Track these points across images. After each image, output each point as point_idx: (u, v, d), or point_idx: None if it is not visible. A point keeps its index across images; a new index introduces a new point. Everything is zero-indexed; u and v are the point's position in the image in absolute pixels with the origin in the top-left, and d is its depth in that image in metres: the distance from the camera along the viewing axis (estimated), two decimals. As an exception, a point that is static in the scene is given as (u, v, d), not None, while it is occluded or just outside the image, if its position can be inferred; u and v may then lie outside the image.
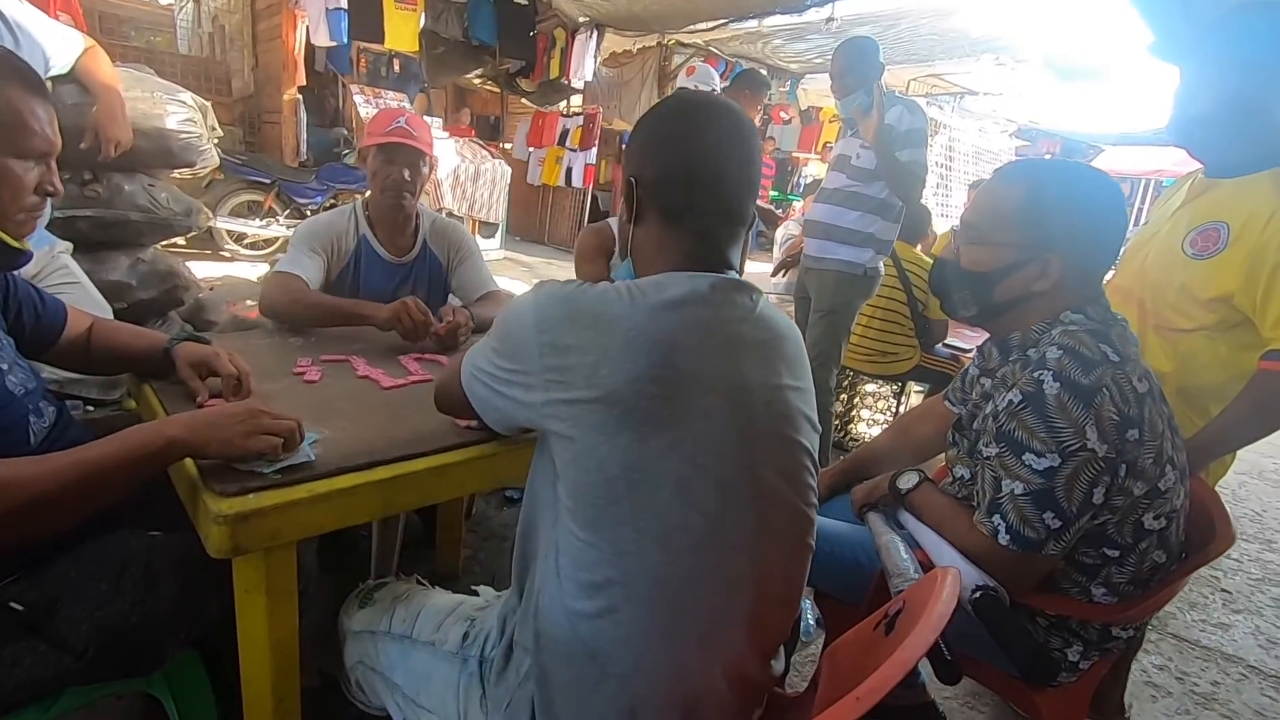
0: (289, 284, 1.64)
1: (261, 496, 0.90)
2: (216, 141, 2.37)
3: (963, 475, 1.16)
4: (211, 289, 2.79)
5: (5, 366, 1.01)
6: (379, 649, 0.97)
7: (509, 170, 7.11)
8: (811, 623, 1.78)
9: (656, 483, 0.73)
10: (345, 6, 5.27)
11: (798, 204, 7.33)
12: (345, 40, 5.53)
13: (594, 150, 7.84)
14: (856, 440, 3.54)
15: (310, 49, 5.92)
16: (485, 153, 7.11)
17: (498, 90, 8.69)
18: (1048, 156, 9.70)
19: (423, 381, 1.36)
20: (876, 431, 3.49)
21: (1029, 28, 5.61)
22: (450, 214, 6.62)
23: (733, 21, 5.88)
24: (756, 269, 3.92)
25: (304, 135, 5.98)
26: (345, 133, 6.43)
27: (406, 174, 1.73)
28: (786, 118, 9.70)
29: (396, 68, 7.50)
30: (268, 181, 5.50)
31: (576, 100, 8.37)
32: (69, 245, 1.97)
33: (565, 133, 7.97)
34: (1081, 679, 1.13)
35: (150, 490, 1.12)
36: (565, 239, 9.31)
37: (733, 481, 0.77)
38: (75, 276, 1.91)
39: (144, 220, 2.24)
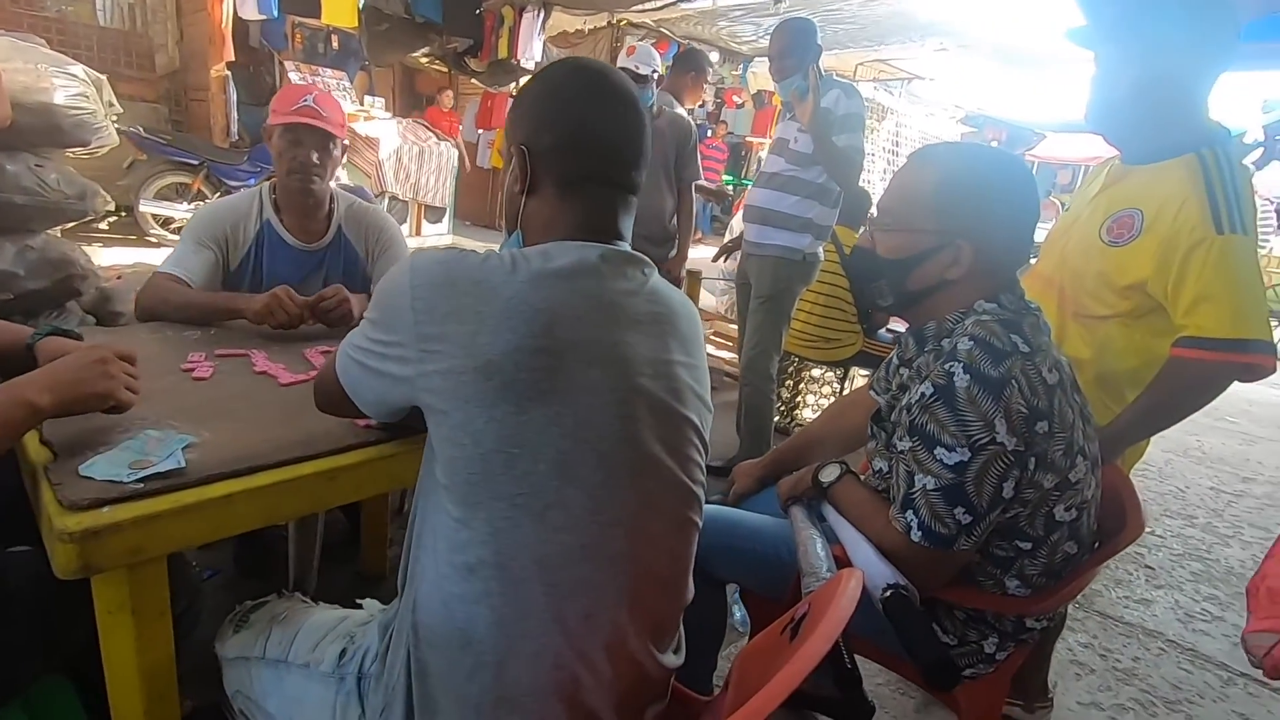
0: (162, 286, 1.54)
1: (118, 509, 0.82)
2: (116, 119, 2.19)
3: (881, 468, 1.14)
4: (120, 277, 2.61)
5: None
6: (253, 677, 0.90)
7: (456, 152, 6.91)
8: (738, 616, 1.77)
9: (535, 457, 0.71)
10: (275, -22, 5.02)
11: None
12: (275, 14, 5.27)
13: (545, 133, 7.68)
14: (803, 426, 3.56)
15: (241, 23, 5.63)
16: (431, 134, 6.89)
17: (446, 70, 8.44)
18: (994, 143, 9.90)
19: (326, 377, 1.28)
20: (821, 417, 3.50)
21: (973, 13, 5.66)
22: (394, 198, 6.42)
23: (682, 1, 5.80)
24: (706, 253, 3.88)
25: (234, 114, 5.70)
26: (280, 112, 6.16)
27: (314, 156, 1.62)
28: (739, 101, 9.69)
29: (335, 44, 7.21)
30: (195, 163, 5.23)
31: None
32: None
33: (516, 114, 7.79)
34: (998, 669, 1.13)
35: (9, 502, 1.02)
36: (517, 224, 9.13)
37: (614, 455, 0.75)
38: None
39: (30, 204, 2.06)
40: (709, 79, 3.57)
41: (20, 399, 0.83)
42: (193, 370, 1.24)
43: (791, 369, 3.47)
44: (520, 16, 6.51)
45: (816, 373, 3.56)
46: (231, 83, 5.69)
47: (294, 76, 6.03)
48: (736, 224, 4.60)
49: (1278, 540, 1.18)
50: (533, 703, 0.73)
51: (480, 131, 8.24)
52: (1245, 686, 1.94)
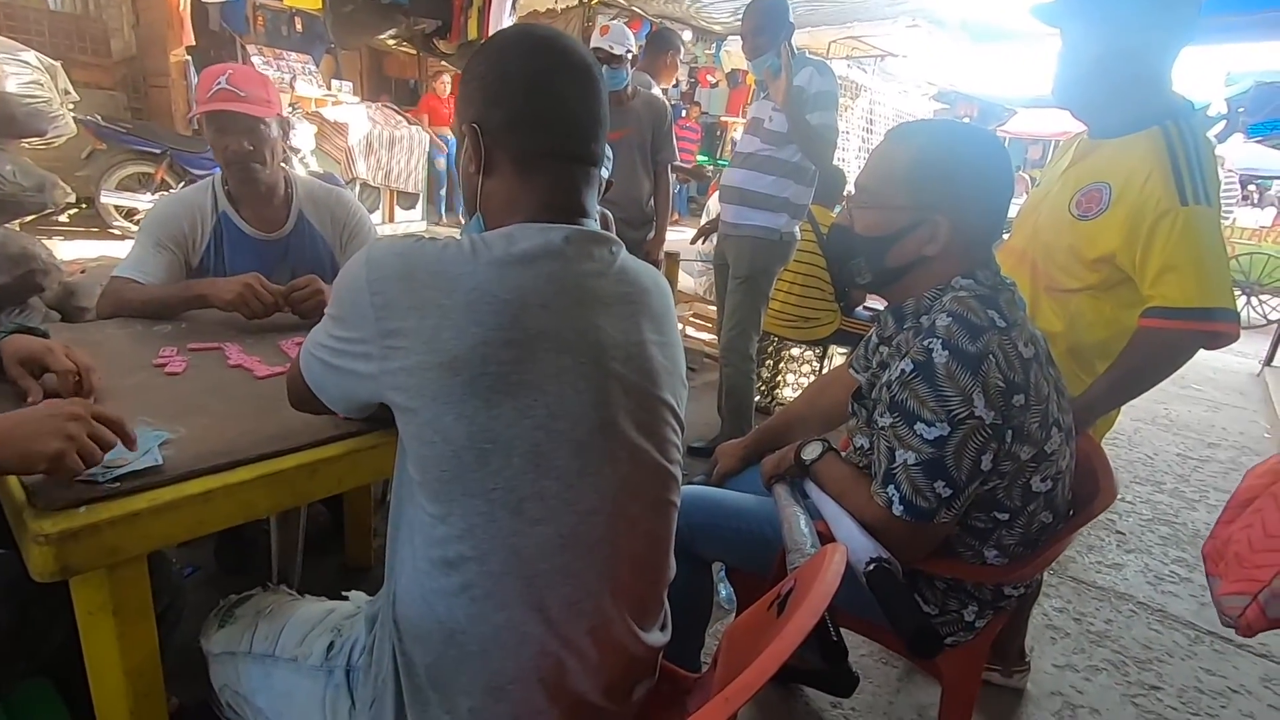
0: (120, 289, 1.49)
1: (94, 510, 0.80)
2: (73, 107, 2.12)
3: (862, 445, 1.16)
4: (84, 271, 2.54)
5: None
6: (240, 672, 0.89)
7: (428, 137, 6.80)
8: (724, 594, 1.79)
9: (507, 451, 0.69)
10: (232, -42, 4.87)
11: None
12: (235, -5, 5.11)
13: (518, 115, 7.56)
14: (783, 405, 3.59)
15: (201, 5, 5.45)
16: (401, 119, 6.77)
17: (414, 53, 8.26)
18: (966, 119, 9.98)
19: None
20: (801, 395, 3.53)
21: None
22: (365, 184, 6.30)
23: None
24: (685, 234, 3.88)
25: (196, 99, 5.53)
26: (244, 97, 5.99)
27: (246, 143, 1.52)
28: (713, 81, 9.62)
29: (299, 26, 7.02)
30: (158, 152, 5.07)
31: (498, 63, 8.03)
32: None
33: (487, 97, 7.66)
34: (978, 636, 1.16)
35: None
36: (492, 208, 9.01)
37: (589, 443, 0.73)
38: None
39: (-15, 197, 1.99)
40: (682, 58, 3.54)
41: None
42: (165, 365, 1.22)
43: (771, 348, 3.48)
44: (489, -4, 6.38)
45: (796, 351, 3.59)
46: (192, 68, 5.51)
47: (257, 61, 5.88)
48: (713, 205, 4.58)
49: (1228, 506, 1.22)
50: (519, 690, 0.73)
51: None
52: (1212, 644, 2.01)
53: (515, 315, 0.70)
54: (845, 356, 3.48)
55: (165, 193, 5.19)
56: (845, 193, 3.55)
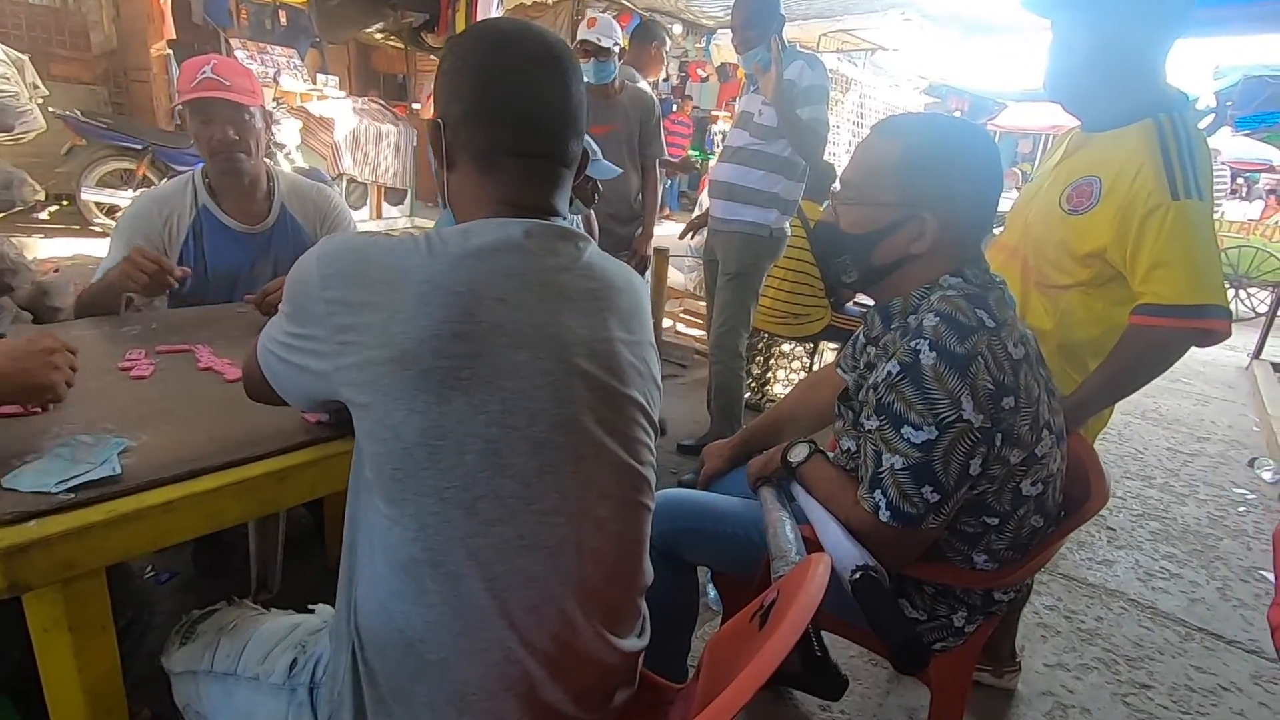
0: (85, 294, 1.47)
1: (46, 523, 0.77)
2: (43, 100, 2.06)
3: (849, 448, 1.13)
4: (57, 270, 2.48)
5: None
6: (201, 691, 0.86)
7: (415, 132, 6.72)
8: (711, 596, 1.77)
9: (460, 448, 0.67)
10: (214, -51, 4.78)
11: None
12: (218, -12, 5.03)
13: (506, 110, 7.50)
14: (774, 401, 3.56)
15: (180, -2, 5.37)
16: (389, 114, 6.69)
17: (402, 47, 8.17)
18: (956, 113, 9.97)
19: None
20: (792, 392, 3.52)
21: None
22: (351, 180, 6.24)
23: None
24: (674, 230, 3.83)
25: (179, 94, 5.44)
26: (228, 92, 5.91)
27: (231, 132, 1.50)
28: (704, 75, 9.58)
29: (283, 20, 6.91)
30: (139, 147, 4.99)
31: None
32: None
33: (476, 91, 7.59)
34: (968, 641, 1.14)
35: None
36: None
37: (548, 441, 0.71)
38: None
39: (-51, 195, 1.93)
40: (670, 50, 3.50)
41: None
42: (131, 369, 1.18)
43: (761, 345, 3.46)
44: (477, -12, 6.31)
45: (786, 348, 3.57)
46: (174, 62, 5.42)
47: (240, 55, 5.79)
48: (704, 200, 4.56)
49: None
50: (485, 701, 0.70)
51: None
52: (1202, 641, 2.01)
53: (467, 308, 0.68)
54: (836, 353, 3.47)
55: (147, 189, 5.12)
56: (833, 188, 3.53)
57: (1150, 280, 1.21)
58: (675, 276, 4.47)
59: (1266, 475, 3.36)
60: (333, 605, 0.91)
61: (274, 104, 5.61)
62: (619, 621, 0.81)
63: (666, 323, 4.29)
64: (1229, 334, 1.22)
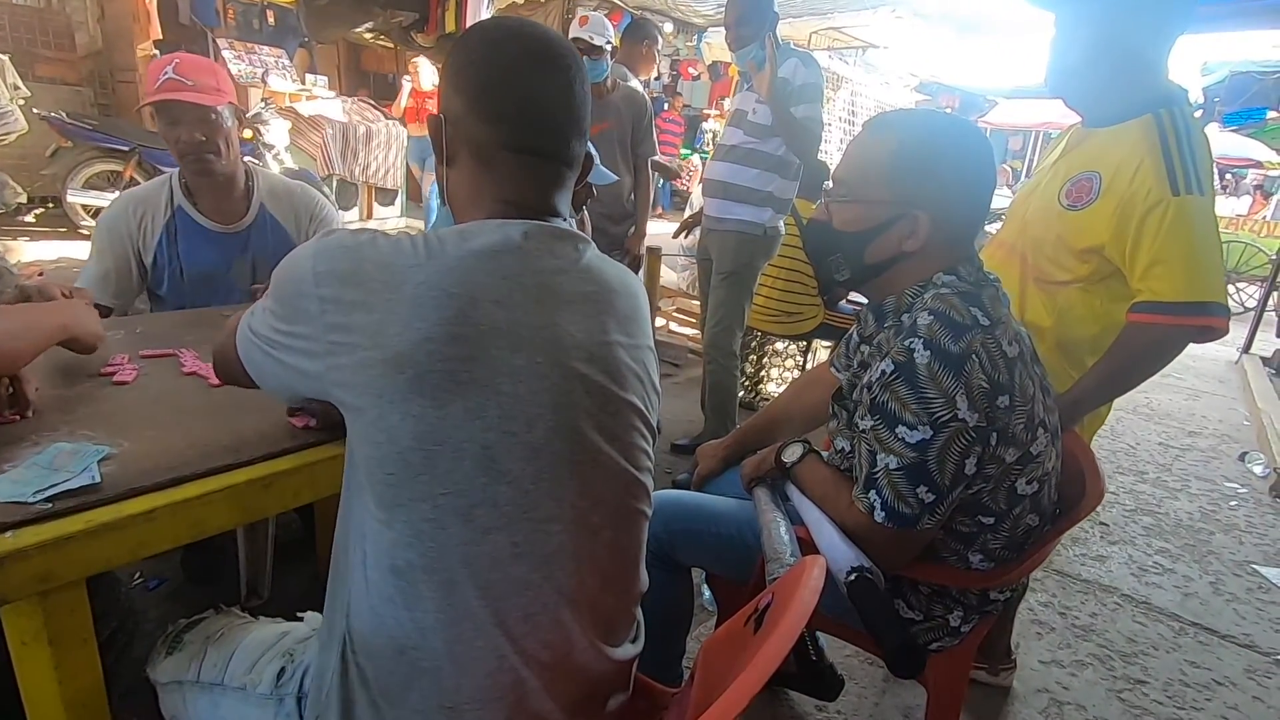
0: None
1: (21, 534, 0.75)
2: (24, 102, 2.03)
3: (843, 448, 1.12)
4: (41, 273, 2.44)
5: None
6: (188, 702, 0.85)
7: (405, 131, 6.69)
8: (706, 596, 1.76)
9: (457, 453, 0.66)
10: (200, -52, 4.74)
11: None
12: (204, -13, 4.98)
13: (498, 109, 7.46)
14: (768, 400, 3.56)
15: (166, -2, 5.31)
16: (379, 113, 6.65)
17: (392, 46, 8.13)
18: (947, 110, 9.99)
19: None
20: (785, 390, 3.51)
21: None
22: (342, 180, 6.20)
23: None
24: (667, 229, 3.82)
25: (166, 95, 5.38)
26: (216, 92, 5.85)
27: (198, 134, 1.48)
28: (695, 73, 9.56)
29: (271, 20, 6.85)
30: (126, 148, 4.94)
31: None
32: None
33: (467, 91, 7.55)
34: (964, 641, 1.13)
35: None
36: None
37: (547, 447, 0.70)
38: None
39: (-73, 199, 1.89)
40: (661, 49, 3.49)
41: (55, 323, 1.02)
42: (114, 374, 1.16)
43: (755, 343, 3.46)
44: (466, -13, 6.27)
45: (779, 346, 3.56)
46: (160, 63, 5.37)
47: (228, 55, 5.74)
48: (696, 198, 4.54)
49: None
50: (477, 710, 0.69)
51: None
52: (1196, 636, 2.01)
53: (463, 310, 0.66)
54: (829, 351, 3.46)
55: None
56: (825, 186, 3.52)
57: (1149, 277, 1.21)
58: (668, 275, 4.45)
59: (1257, 469, 3.38)
60: (321, 612, 0.90)
61: (262, 104, 5.57)
62: (614, 629, 0.80)
63: (660, 322, 4.28)
64: (1227, 331, 1.21)
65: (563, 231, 0.76)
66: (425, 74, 6.20)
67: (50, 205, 5.29)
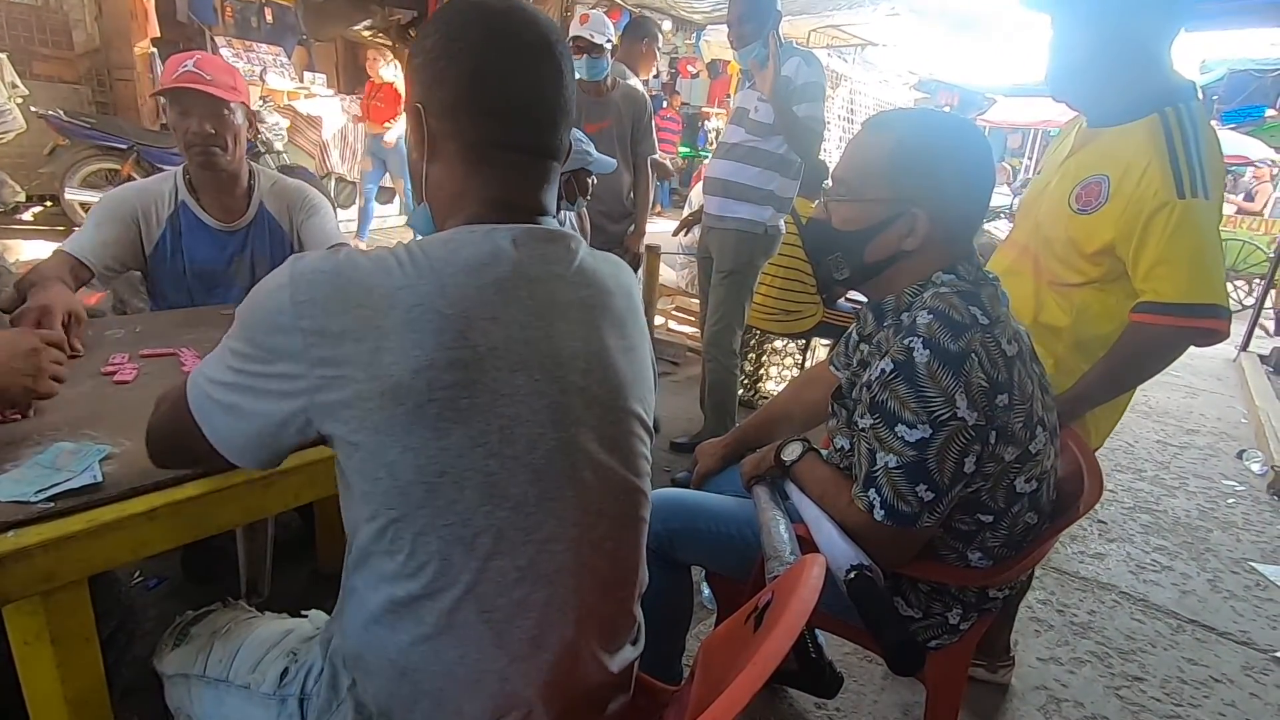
0: (48, 262, 1.44)
1: (24, 533, 0.75)
2: (23, 100, 2.02)
3: (843, 446, 1.13)
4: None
5: None
6: (193, 696, 0.85)
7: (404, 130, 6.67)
8: (706, 594, 1.76)
9: (458, 483, 0.63)
10: (198, -54, 4.73)
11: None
12: (202, -15, 4.97)
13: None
14: (767, 398, 3.56)
15: (164, -5, 5.31)
16: (377, 111, 6.63)
17: (390, 45, 8.10)
18: (946, 108, 9.99)
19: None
20: (784, 388, 3.52)
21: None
22: (340, 179, 6.19)
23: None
24: (666, 227, 3.82)
25: (164, 94, 5.38)
26: (214, 90, 5.84)
27: (209, 126, 1.49)
28: (694, 71, 9.56)
29: (269, 18, 6.85)
30: (124, 147, 4.92)
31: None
32: None
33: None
34: (963, 639, 1.13)
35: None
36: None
37: (548, 468, 0.68)
38: None
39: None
40: (661, 47, 3.49)
41: None
42: (114, 373, 1.16)
43: (754, 341, 3.46)
44: (464, -15, 6.25)
45: (779, 344, 3.56)
46: (158, 61, 5.36)
47: (226, 53, 5.74)
48: (696, 196, 4.54)
49: None
50: None
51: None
52: (1193, 633, 2.02)
53: (460, 331, 0.63)
54: (828, 349, 3.46)
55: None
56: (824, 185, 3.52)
57: (1151, 278, 1.21)
58: (667, 274, 4.45)
59: (1255, 467, 3.38)
60: (324, 609, 0.90)
61: (261, 102, 5.56)
62: (615, 633, 0.80)
63: (659, 320, 4.28)
64: (1228, 334, 1.21)
65: (553, 233, 0.73)
66: (383, 65, 5.74)
67: (48, 204, 5.27)
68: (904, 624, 1.07)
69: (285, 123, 5.57)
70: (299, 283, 0.63)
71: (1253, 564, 2.45)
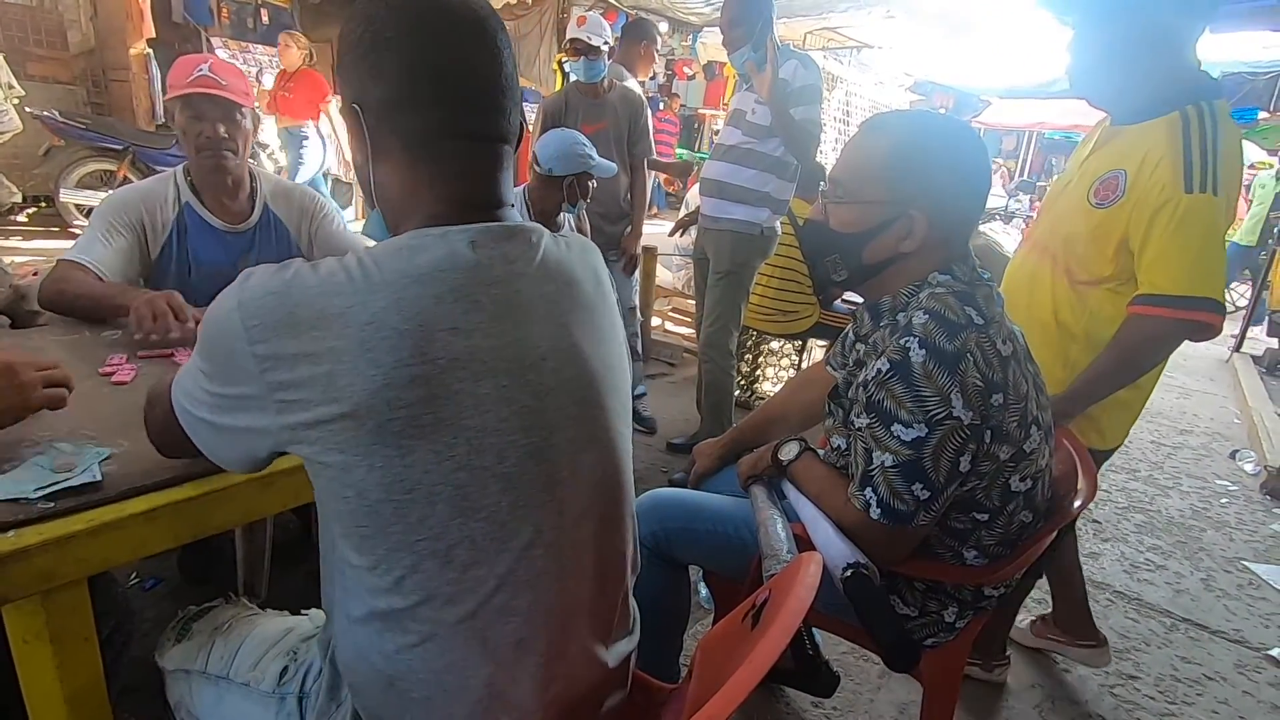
0: (65, 275, 1.43)
1: (24, 533, 0.75)
2: (19, 101, 2.02)
3: (839, 445, 1.13)
4: (35, 273, 2.44)
5: None
6: (194, 692, 0.85)
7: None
8: (703, 594, 1.77)
9: (429, 498, 0.62)
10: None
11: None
12: (198, -15, 4.96)
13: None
14: (763, 399, 3.57)
15: (160, -5, 5.30)
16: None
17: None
18: (942, 110, 10.01)
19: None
20: (781, 389, 3.52)
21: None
22: (336, 179, 6.18)
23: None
24: (663, 228, 3.83)
25: (159, 94, 5.37)
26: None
27: (222, 129, 1.50)
28: (690, 73, 9.57)
29: (265, 18, 6.83)
30: (119, 147, 4.92)
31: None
32: None
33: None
34: (959, 637, 1.14)
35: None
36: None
37: (521, 476, 0.66)
38: None
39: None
40: (659, 49, 3.49)
41: None
42: (113, 374, 1.16)
43: (750, 342, 3.47)
44: (461, -13, 6.25)
45: (775, 345, 3.58)
46: (154, 61, 5.35)
47: (222, 54, 5.72)
48: (692, 198, 4.54)
49: None
50: None
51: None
52: (1187, 632, 2.03)
53: (418, 346, 0.60)
54: (825, 350, 3.48)
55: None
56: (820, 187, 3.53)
57: (1150, 270, 1.23)
58: (663, 275, 4.46)
59: (1248, 467, 3.41)
60: (321, 628, 0.90)
61: (257, 104, 5.55)
62: (607, 631, 0.79)
63: (655, 321, 4.29)
64: (1220, 330, 1.23)
65: (513, 229, 0.69)
66: (294, 52, 5.08)
67: (43, 204, 5.26)
68: (900, 622, 1.08)
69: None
70: (248, 307, 0.61)
71: (1245, 563, 2.47)
